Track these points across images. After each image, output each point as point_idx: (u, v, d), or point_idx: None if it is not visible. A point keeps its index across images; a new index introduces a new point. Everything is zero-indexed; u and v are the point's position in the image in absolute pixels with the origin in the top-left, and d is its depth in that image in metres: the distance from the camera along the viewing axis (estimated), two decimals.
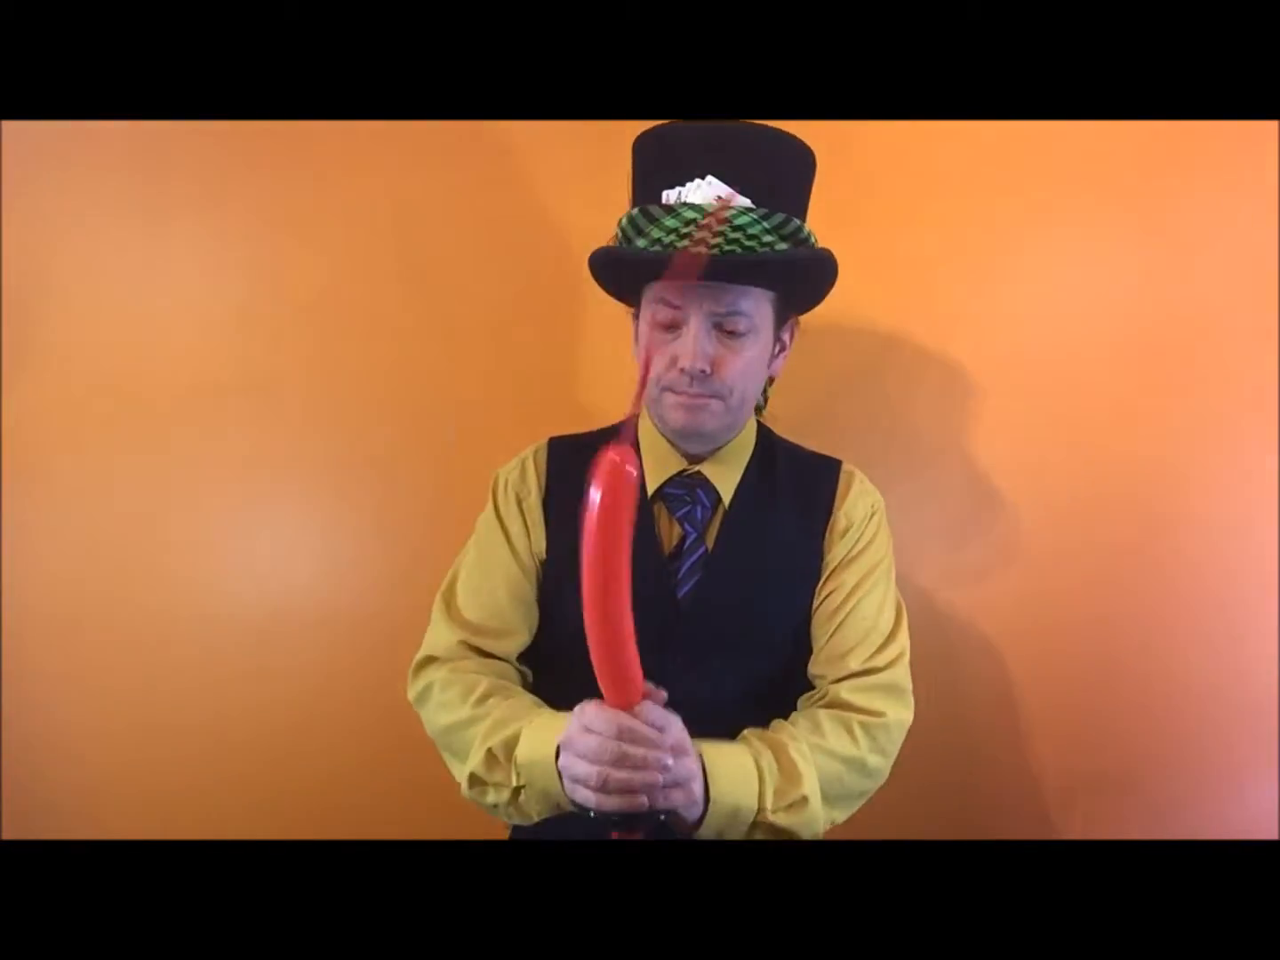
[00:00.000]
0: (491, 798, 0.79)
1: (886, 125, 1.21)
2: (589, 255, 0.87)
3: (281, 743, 1.29)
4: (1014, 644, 1.21)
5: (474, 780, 0.79)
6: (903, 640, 0.91)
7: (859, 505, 0.93)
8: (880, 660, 0.88)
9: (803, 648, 0.92)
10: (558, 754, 0.71)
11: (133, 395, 1.24)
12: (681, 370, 0.82)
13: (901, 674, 0.89)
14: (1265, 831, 1.08)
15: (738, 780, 0.75)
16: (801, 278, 0.85)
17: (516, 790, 0.77)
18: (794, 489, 0.94)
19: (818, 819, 0.79)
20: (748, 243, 0.78)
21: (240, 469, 1.28)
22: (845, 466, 0.97)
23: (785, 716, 0.88)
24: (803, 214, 0.86)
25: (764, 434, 0.99)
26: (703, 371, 0.81)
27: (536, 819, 0.78)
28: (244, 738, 1.28)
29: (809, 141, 1.29)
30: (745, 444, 0.95)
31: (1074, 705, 1.18)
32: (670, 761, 0.67)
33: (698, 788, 0.72)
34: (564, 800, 0.74)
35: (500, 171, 1.34)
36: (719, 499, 0.91)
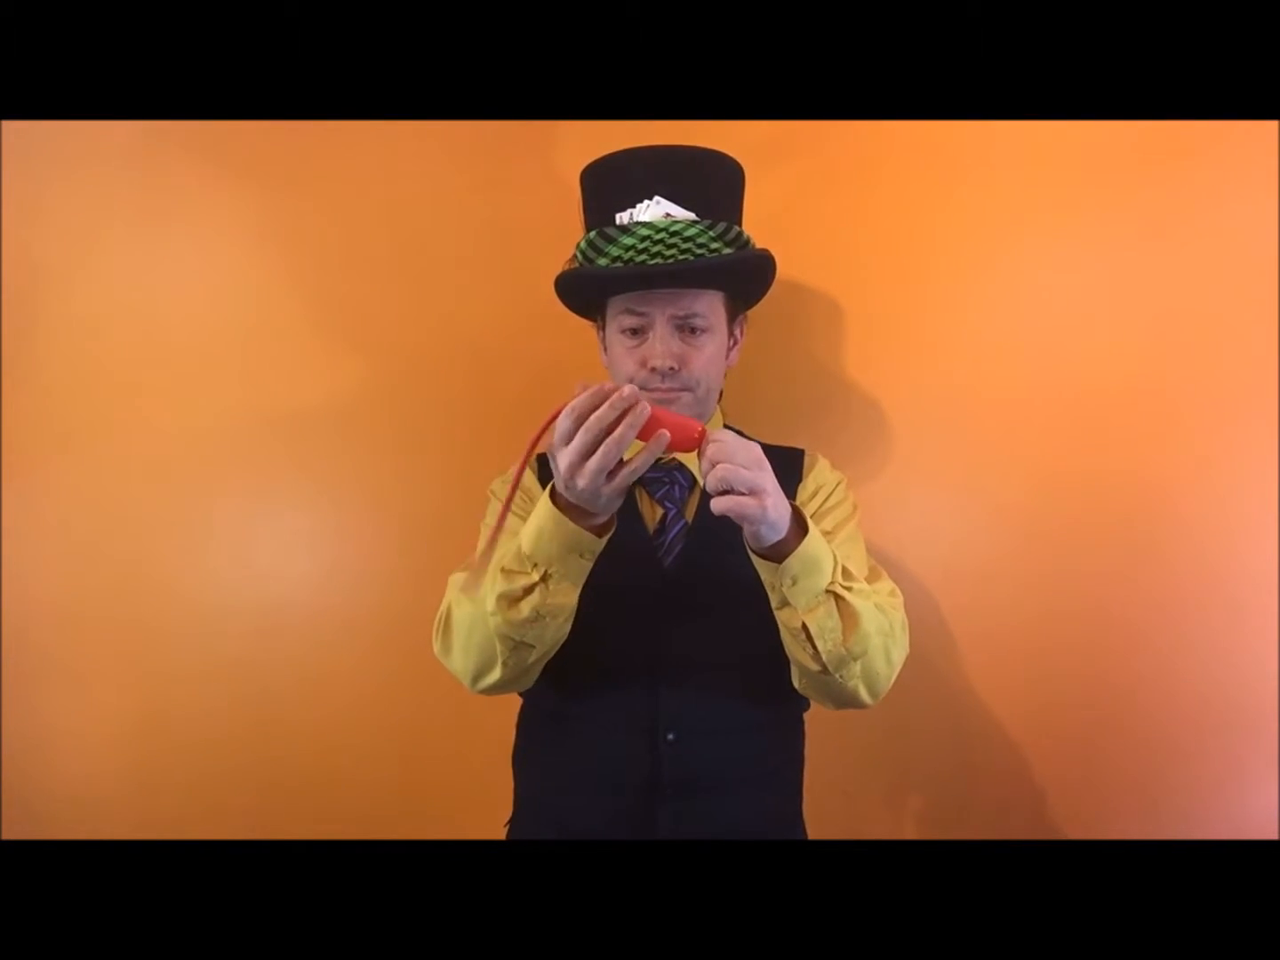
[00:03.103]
0: (527, 607, 0.79)
1: (887, 125, 1.21)
2: (554, 279, 0.94)
3: (281, 742, 1.29)
4: (1013, 643, 1.21)
5: (503, 599, 0.79)
6: (893, 585, 0.92)
7: (826, 474, 1.00)
8: (878, 587, 0.90)
9: None
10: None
11: (132, 394, 1.24)
12: (653, 369, 0.90)
13: (901, 605, 0.90)
14: (1265, 831, 1.08)
15: (822, 540, 0.79)
16: (747, 277, 0.95)
17: (545, 576, 0.78)
18: None
19: (870, 618, 0.80)
20: (699, 251, 0.88)
21: (239, 467, 1.28)
22: (809, 452, 1.03)
23: (779, 674, 0.91)
24: (739, 220, 0.96)
25: (732, 430, 1.03)
26: (671, 368, 0.90)
27: (577, 587, 0.80)
28: (244, 737, 1.27)
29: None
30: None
31: (1073, 704, 1.18)
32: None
33: (772, 510, 0.73)
34: (580, 537, 0.76)
35: (500, 171, 1.34)
36: (694, 480, 0.96)
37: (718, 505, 0.72)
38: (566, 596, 0.79)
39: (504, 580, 0.79)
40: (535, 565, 0.78)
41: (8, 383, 1.21)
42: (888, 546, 1.19)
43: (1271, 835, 1.07)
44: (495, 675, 0.84)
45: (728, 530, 0.87)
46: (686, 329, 0.91)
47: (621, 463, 0.72)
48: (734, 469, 0.72)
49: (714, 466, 0.72)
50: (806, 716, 1.00)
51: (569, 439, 0.71)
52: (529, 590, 0.78)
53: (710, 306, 0.92)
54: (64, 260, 1.22)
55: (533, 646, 0.82)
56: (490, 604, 0.80)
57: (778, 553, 0.77)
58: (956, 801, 1.25)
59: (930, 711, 1.22)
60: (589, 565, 0.79)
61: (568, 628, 0.83)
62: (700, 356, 0.92)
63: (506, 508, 0.77)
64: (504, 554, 0.81)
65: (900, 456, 1.25)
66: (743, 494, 0.72)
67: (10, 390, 1.21)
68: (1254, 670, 1.09)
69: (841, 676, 0.81)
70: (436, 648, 0.89)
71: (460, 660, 0.87)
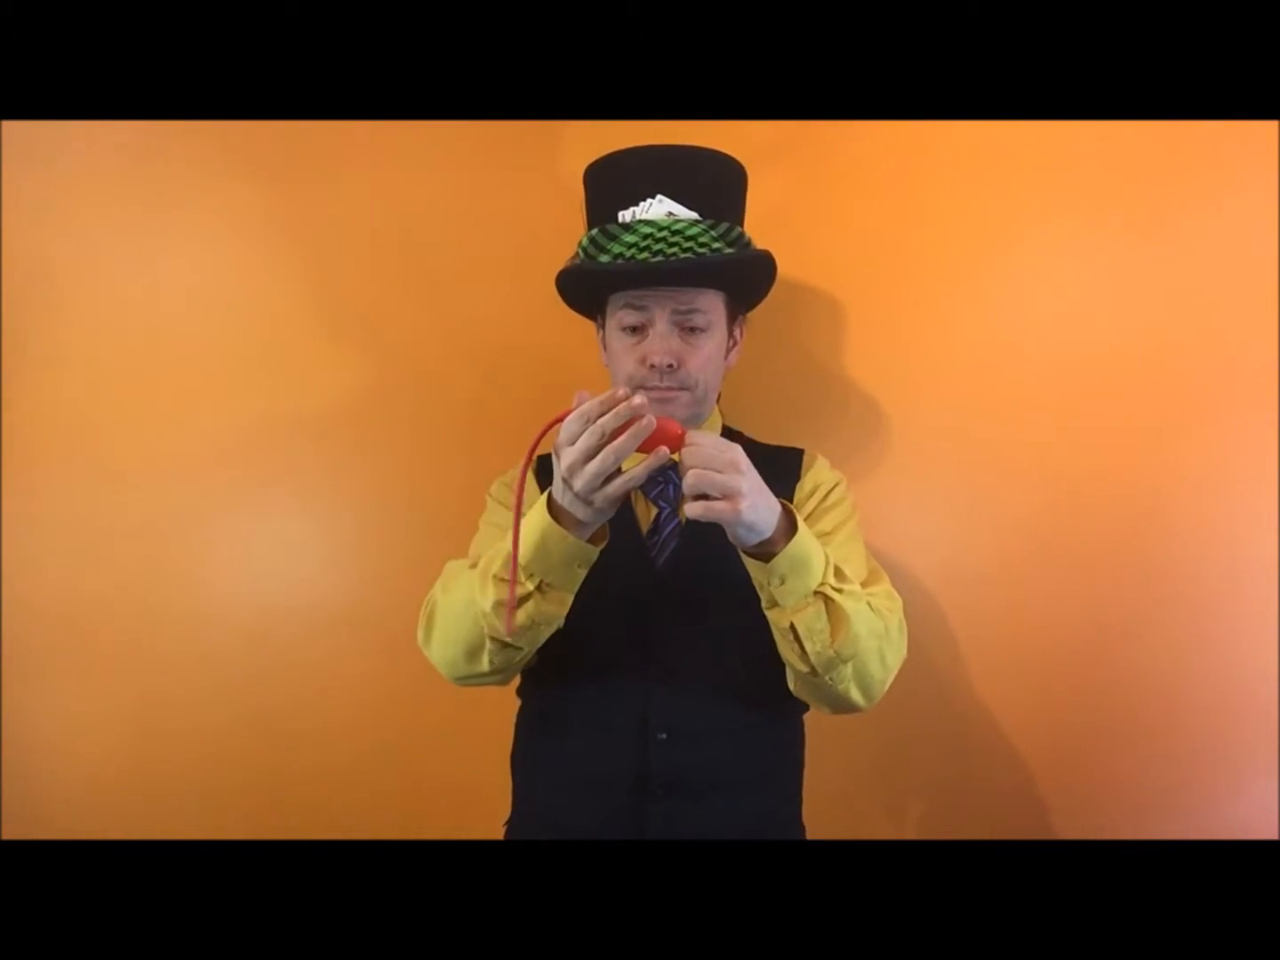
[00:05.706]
0: (523, 615, 0.79)
1: (886, 125, 1.21)
2: (555, 275, 0.95)
3: (281, 742, 1.29)
4: (1011, 644, 1.21)
5: (500, 607, 0.79)
6: (891, 588, 0.91)
7: (825, 473, 0.99)
8: (875, 589, 0.89)
9: None
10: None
11: (132, 394, 1.24)
12: (652, 366, 0.90)
13: (900, 609, 0.89)
14: (1265, 831, 1.08)
15: (812, 541, 0.78)
16: (747, 277, 0.96)
17: (540, 585, 0.78)
18: (760, 467, 0.96)
19: (862, 620, 0.79)
20: (699, 250, 0.89)
21: (242, 469, 1.27)
22: (808, 451, 1.02)
23: (774, 675, 0.90)
24: (741, 220, 0.97)
25: (729, 431, 1.04)
26: (670, 366, 0.90)
27: (571, 595, 0.80)
28: (243, 737, 1.27)
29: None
30: (712, 430, 1.00)
31: (1073, 705, 1.18)
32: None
33: (748, 512, 0.72)
34: (577, 548, 0.76)
35: (501, 171, 1.33)
36: None
37: (690, 510, 0.73)
38: (561, 605, 0.80)
39: (497, 589, 0.79)
40: (531, 575, 0.78)
41: (8, 383, 1.20)
42: (884, 547, 1.19)
43: (1271, 835, 1.07)
44: (480, 668, 0.85)
45: (721, 531, 0.87)
46: (686, 327, 0.92)
47: (619, 471, 0.73)
48: (705, 474, 0.72)
49: (689, 471, 0.72)
50: (807, 719, 0.99)
51: (574, 440, 0.71)
52: (524, 599, 0.78)
53: (710, 304, 0.93)
54: (64, 260, 1.22)
55: (520, 649, 0.82)
56: (486, 606, 0.79)
57: (765, 552, 0.77)
58: (958, 805, 1.25)
59: (932, 715, 1.22)
60: (584, 574, 0.79)
61: (556, 627, 0.84)
62: (698, 356, 0.92)
63: (518, 516, 0.76)
64: (493, 557, 0.81)
65: (898, 456, 1.25)
66: (715, 499, 0.72)
67: (10, 390, 1.20)
68: (1254, 670, 1.09)
69: (831, 679, 0.81)
70: (419, 636, 0.90)
71: (441, 651, 0.87)
